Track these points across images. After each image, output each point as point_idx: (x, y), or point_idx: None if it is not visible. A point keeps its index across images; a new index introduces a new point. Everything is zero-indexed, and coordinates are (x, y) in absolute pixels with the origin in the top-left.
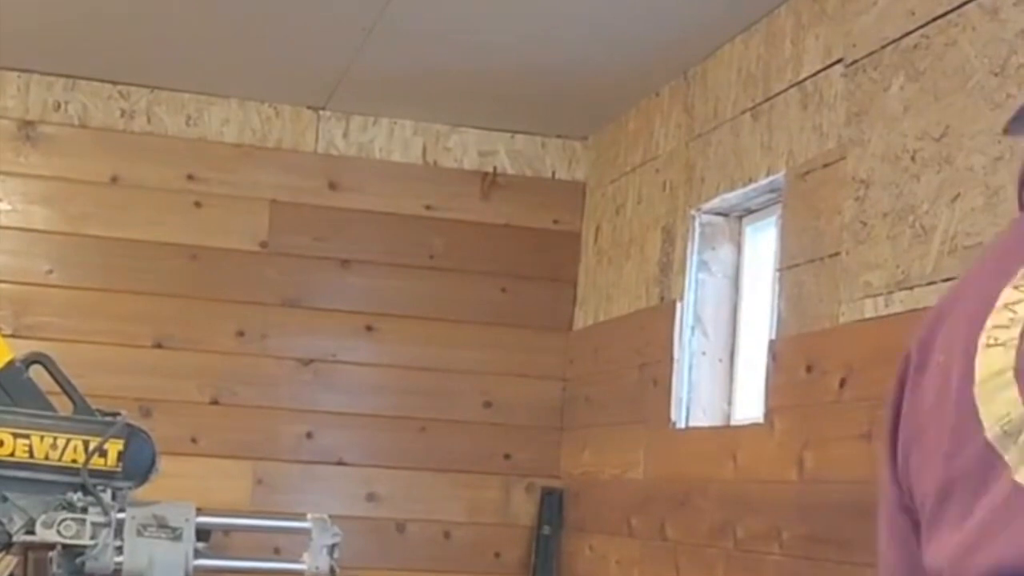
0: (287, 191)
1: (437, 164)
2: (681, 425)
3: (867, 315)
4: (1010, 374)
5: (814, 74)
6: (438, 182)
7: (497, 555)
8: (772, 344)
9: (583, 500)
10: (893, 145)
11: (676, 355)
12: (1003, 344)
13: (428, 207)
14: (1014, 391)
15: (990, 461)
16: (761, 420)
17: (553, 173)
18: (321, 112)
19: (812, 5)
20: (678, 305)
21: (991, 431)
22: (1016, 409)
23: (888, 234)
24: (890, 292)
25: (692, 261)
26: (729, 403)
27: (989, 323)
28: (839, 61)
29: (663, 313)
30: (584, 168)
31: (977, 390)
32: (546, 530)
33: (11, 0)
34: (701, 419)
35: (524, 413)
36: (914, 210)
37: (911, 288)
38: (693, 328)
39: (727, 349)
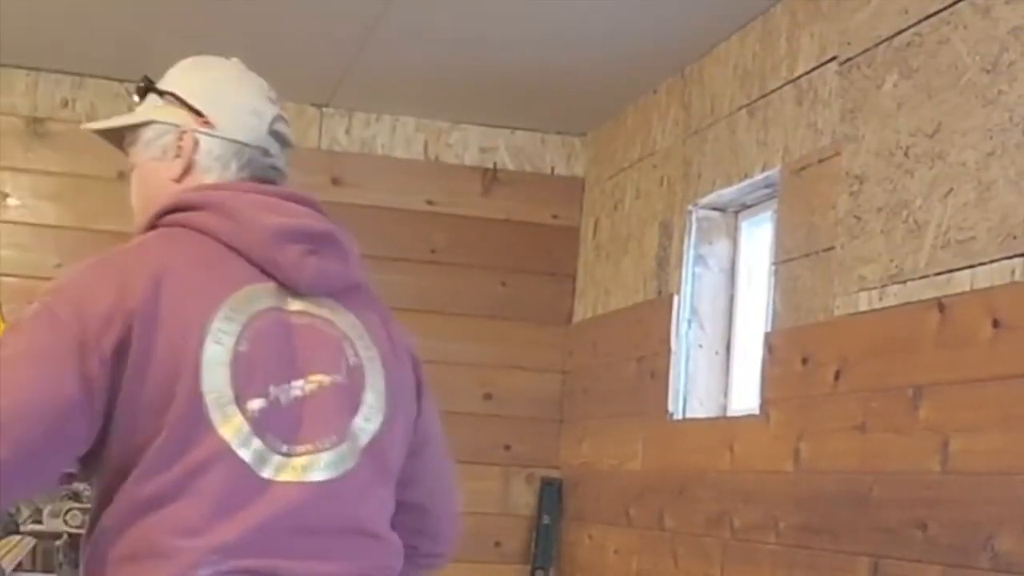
0: (291, 186)
1: (438, 160)
2: (678, 417)
3: (861, 308)
4: (228, 361)
5: (809, 71)
6: (439, 178)
7: (497, 544)
8: (768, 337)
9: (582, 490)
10: (887, 141)
11: (673, 348)
12: (222, 344)
13: (429, 202)
14: (227, 372)
15: (203, 420)
16: (757, 412)
17: (552, 169)
18: (324, 109)
19: (807, 4)
20: (675, 299)
21: (208, 398)
22: (226, 389)
23: (882, 229)
24: (884, 286)
25: (689, 255)
26: (725, 395)
27: (214, 325)
28: (834, 59)
29: (660, 306)
30: (583, 164)
31: (204, 371)
32: (546, 520)
33: (20, 0)
34: (698, 411)
35: (524, 405)
36: (907, 205)
37: (904, 282)
38: (690, 321)
39: (723, 342)
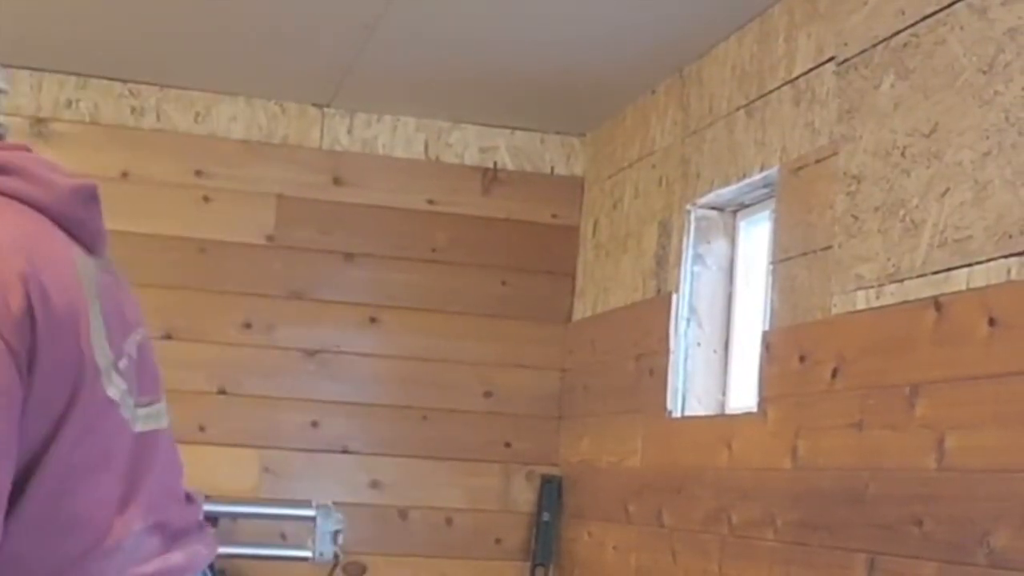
0: (293, 186)
1: (439, 160)
2: (677, 414)
3: (859, 307)
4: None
5: (807, 72)
6: (440, 177)
7: (498, 541)
8: (766, 335)
9: (581, 487)
10: (884, 141)
11: (672, 346)
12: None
13: (430, 202)
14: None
15: (106, 404)
16: (755, 409)
17: (552, 168)
18: (326, 109)
19: (805, 4)
20: (674, 297)
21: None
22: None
23: (879, 228)
24: (881, 284)
25: (687, 254)
26: (724, 393)
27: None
28: (831, 59)
29: (659, 305)
30: (582, 164)
31: (98, 355)
32: (545, 516)
33: (24, 1)
34: (696, 408)
35: (524, 402)
36: (904, 204)
37: (901, 281)
38: (688, 320)
39: (722, 340)
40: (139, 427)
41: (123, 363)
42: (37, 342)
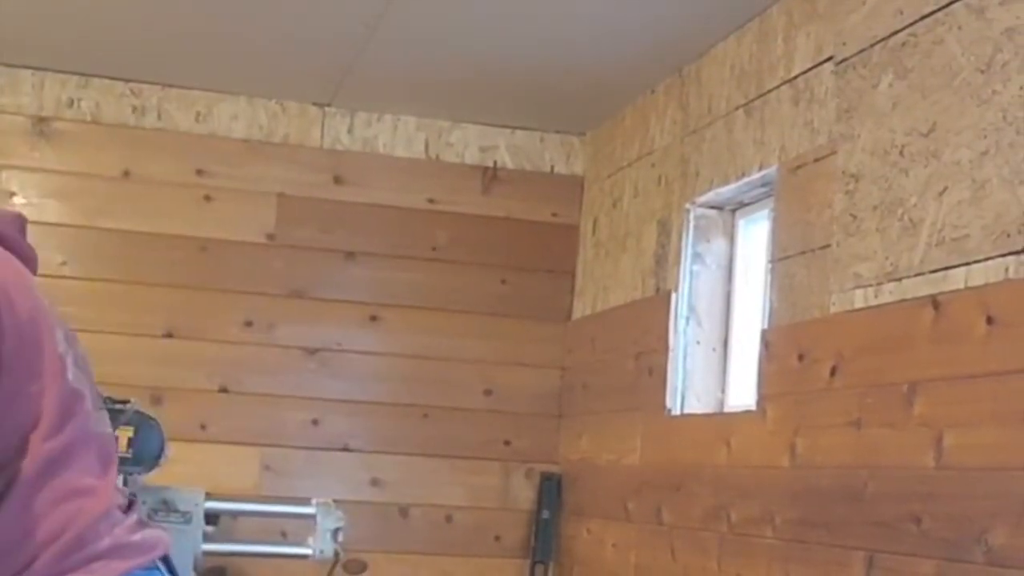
0: (294, 185)
1: (439, 159)
2: (676, 412)
3: (857, 305)
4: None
5: (805, 71)
6: (440, 176)
7: (497, 538)
8: (764, 333)
9: (581, 485)
10: (882, 140)
11: (671, 344)
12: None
13: (430, 201)
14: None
15: (76, 393)
16: (754, 407)
17: (552, 168)
18: (327, 108)
19: (803, 4)
20: (673, 296)
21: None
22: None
23: (877, 227)
24: (879, 283)
25: (687, 253)
26: (723, 391)
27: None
28: (830, 59)
29: (659, 303)
30: (582, 163)
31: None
32: (545, 514)
33: (25, 1)
34: (695, 406)
35: (523, 401)
36: (902, 203)
37: (899, 279)
38: (688, 318)
39: (721, 338)
40: (99, 427)
41: (80, 365)
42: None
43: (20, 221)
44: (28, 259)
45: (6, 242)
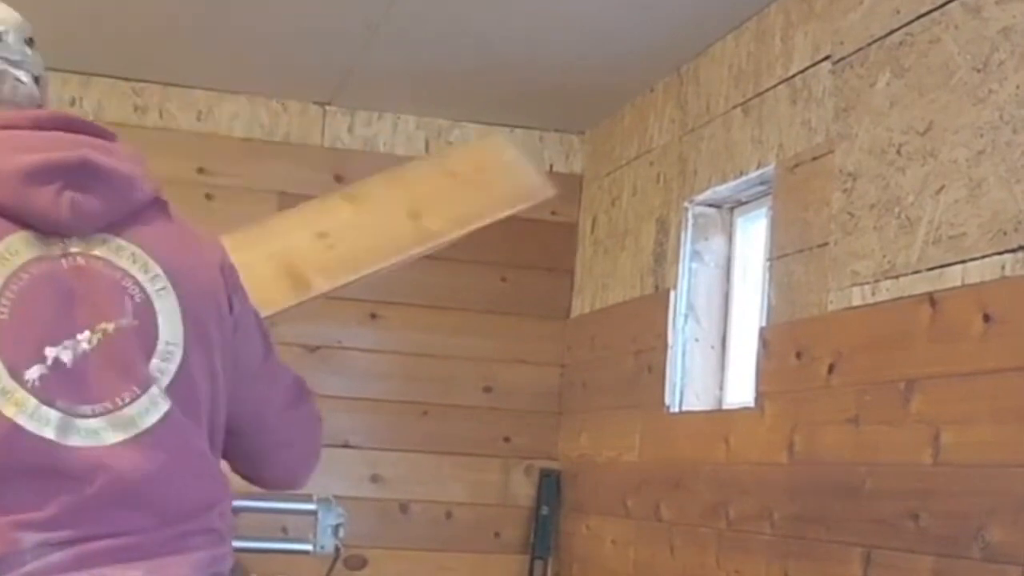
0: (295, 184)
1: None
2: (675, 409)
3: (855, 303)
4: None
5: (803, 70)
6: None
7: (497, 534)
8: (763, 331)
9: (580, 482)
10: (879, 139)
11: (670, 342)
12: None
13: None
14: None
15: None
16: (752, 404)
17: (551, 166)
18: (327, 107)
19: (801, 4)
20: (672, 293)
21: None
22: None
23: (875, 225)
24: (877, 281)
25: (685, 251)
26: (721, 388)
27: None
28: (827, 58)
29: (657, 301)
30: (581, 161)
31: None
32: (544, 511)
33: (27, 1)
34: (694, 404)
35: (523, 398)
36: (900, 202)
37: (897, 277)
38: (686, 316)
39: (719, 336)
40: (77, 440)
41: (34, 372)
42: None
43: (31, 172)
44: (38, 217)
45: (4, 205)
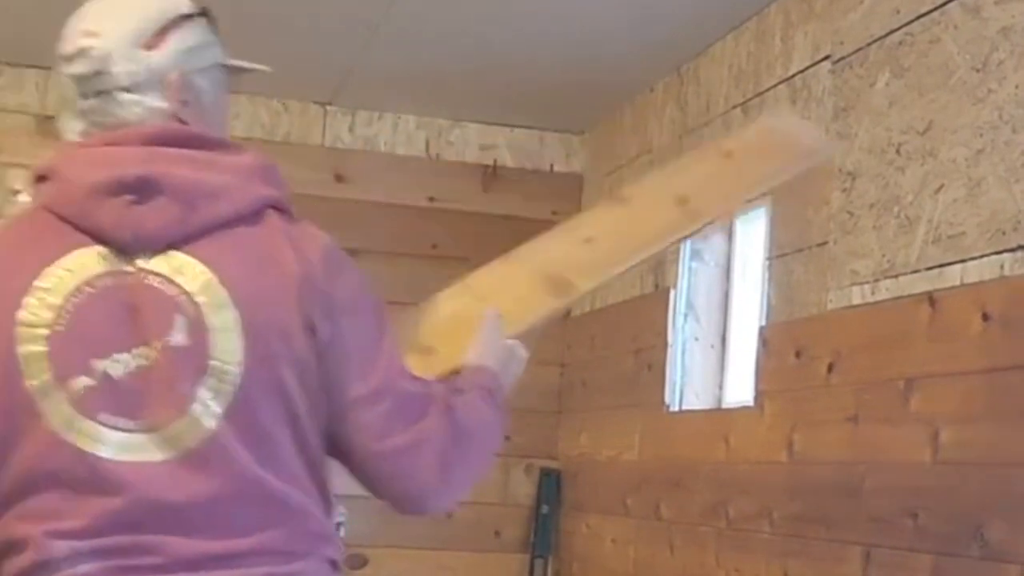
0: (295, 183)
1: (440, 157)
2: (675, 408)
3: (854, 302)
4: (44, 343)
5: (803, 70)
6: (440, 175)
7: (497, 533)
8: (762, 330)
9: (580, 481)
10: (879, 139)
11: (670, 341)
12: (36, 328)
13: (431, 199)
14: (43, 356)
15: (33, 412)
16: (752, 403)
17: (551, 166)
18: (328, 107)
19: (801, 4)
20: (672, 293)
21: (32, 387)
22: (45, 375)
23: (874, 224)
24: (876, 280)
25: (685, 250)
26: (721, 387)
27: (22, 314)
28: (827, 58)
29: (657, 300)
30: (581, 161)
31: (23, 361)
32: (544, 509)
33: (28, 0)
34: (694, 403)
35: (523, 397)
36: (899, 201)
37: (896, 276)
38: (686, 315)
39: (719, 335)
40: (111, 453)
41: (79, 383)
42: None
43: (100, 188)
44: (103, 232)
45: (74, 221)
